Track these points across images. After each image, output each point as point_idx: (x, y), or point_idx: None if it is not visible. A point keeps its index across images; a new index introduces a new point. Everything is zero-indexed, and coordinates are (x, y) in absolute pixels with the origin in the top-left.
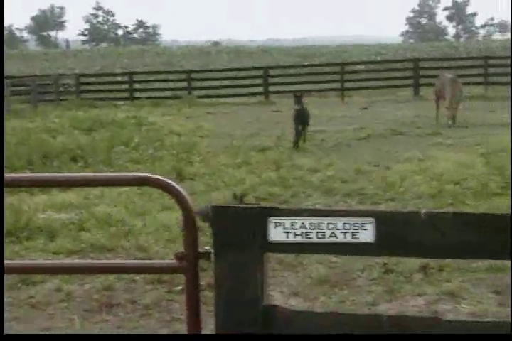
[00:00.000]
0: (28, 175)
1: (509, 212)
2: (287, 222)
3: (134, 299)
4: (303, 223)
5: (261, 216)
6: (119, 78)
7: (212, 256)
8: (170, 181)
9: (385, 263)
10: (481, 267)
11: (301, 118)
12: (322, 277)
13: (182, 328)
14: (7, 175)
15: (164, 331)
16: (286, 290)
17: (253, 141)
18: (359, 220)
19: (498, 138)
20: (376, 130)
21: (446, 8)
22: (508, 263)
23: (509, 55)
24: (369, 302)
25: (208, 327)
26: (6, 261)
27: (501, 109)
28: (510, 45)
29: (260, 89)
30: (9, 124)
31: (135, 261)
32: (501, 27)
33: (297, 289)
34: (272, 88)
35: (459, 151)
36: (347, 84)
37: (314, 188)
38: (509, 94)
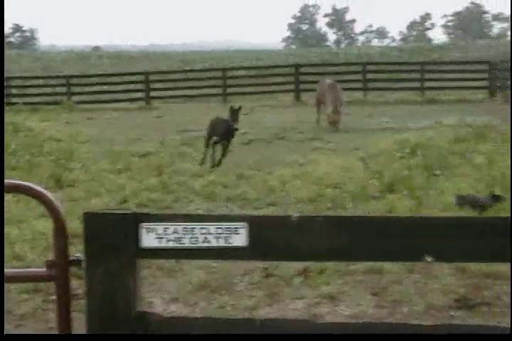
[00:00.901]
0: None
1: (385, 214)
2: (159, 227)
3: (9, 309)
4: (175, 228)
5: (133, 222)
6: None
7: (83, 263)
8: (41, 189)
9: (266, 268)
10: (360, 269)
11: (227, 135)
12: (202, 282)
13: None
14: None
15: None
16: (167, 296)
17: (134, 146)
18: (232, 225)
19: (377, 143)
20: (258, 135)
21: (326, 15)
22: (385, 265)
23: (387, 61)
24: (249, 307)
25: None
26: None
27: (379, 114)
28: (446, 54)
29: (141, 94)
30: None
31: (5, 270)
32: (380, 34)
33: (177, 295)
34: (153, 93)
35: (339, 155)
36: (229, 90)
37: (196, 193)
38: (386, 99)
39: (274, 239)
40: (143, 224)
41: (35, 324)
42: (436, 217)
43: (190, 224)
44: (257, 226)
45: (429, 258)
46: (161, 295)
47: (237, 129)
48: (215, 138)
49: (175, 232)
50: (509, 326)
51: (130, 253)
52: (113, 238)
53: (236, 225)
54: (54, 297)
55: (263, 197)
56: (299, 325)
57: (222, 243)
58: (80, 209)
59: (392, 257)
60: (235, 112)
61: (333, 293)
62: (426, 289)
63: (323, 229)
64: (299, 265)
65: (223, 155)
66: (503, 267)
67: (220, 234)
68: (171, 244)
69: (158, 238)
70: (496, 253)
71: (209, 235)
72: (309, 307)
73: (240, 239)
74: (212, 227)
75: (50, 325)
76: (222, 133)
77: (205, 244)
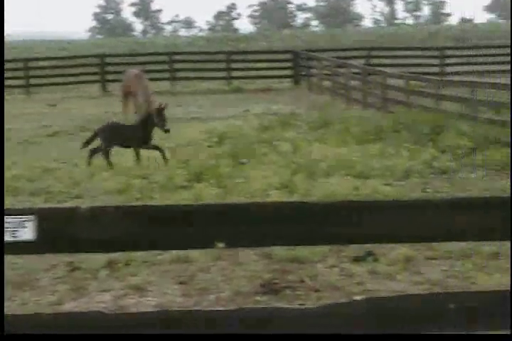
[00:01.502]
0: None
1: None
2: None
3: None
4: None
5: None
6: None
7: None
8: None
9: (71, 262)
10: (166, 259)
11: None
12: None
13: None
14: None
15: None
16: None
17: None
18: (18, 218)
19: (184, 133)
20: (64, 127)
21: (132, 4)
22: (192, 254)
23: (194, 51)
24: (54, 302)
25: None
26: None
27: (187, 104)
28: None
29: None
30: None
31: None
32: (187, 23)
33: None
34: None
35: None
36: (32, 81)
37: None
38: (194, 89)
39: (63, 230)
40: None
41: None
42: (228, 204)
43: None
44: (46, 218)
45: (220, 245)
46: None
47: (167, 131)
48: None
49: None
50: None
51: None
52: None
53: (23, 218)
54: None
55: (69, 189)
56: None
57: (8, 237)
58: None
59: (181, 245)
60: (160, 112)
61: (140, 284)
62: (233, 276)
63: (114, 219)
64: (105, 257)
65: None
66: (304, 252)
67: (6, 228)
68: None
69: None
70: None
71: None
72: (116, 299)
73: (27, 232)
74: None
75: None
76: (130, 139)
77: None
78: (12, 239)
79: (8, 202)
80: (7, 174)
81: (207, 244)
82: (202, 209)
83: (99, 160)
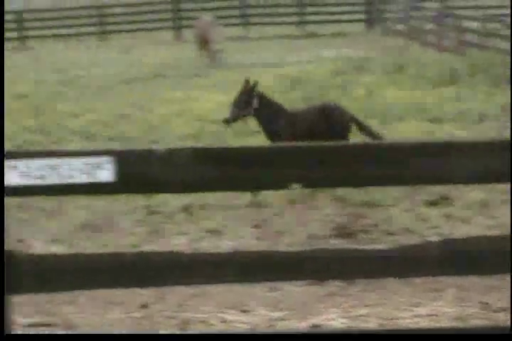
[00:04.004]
0: None
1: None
2: (22, 164)
3: None
4: (39, 165)
5: None
6: None
7: None
8: None
9: (148, 205)
10: (242, 204)
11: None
12: (84, 222)
13: None
14: None
15: None
16: (48, 237)
17: (11, 87)
18: (97, 160)
19: (259, 78)
20: (137, 73)
21: None
22: (267, 198)
23: None
24: (133, 244)
25: None
26: None
27: (259, 49)
28: None
29: (15, 34)
30: None
31: None
32: None
33: (58, 236)
34: (27, 33)
35: (221, 92)
36: (106, 28)
37: (75, 134)
38: (266, 34)
39: (140, 172)
40: (5, 161)
41: None
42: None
43: (54, 160)
44: (123, 160)
45: (296, 186)
46: (42, 237)
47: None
48: None
49: (39, 169)
50: None
51: None
52: None
53: (101, 160)
54: None
55: (144, 135)
56: (169, 256)
57: (88, 179)
58: None
59: (257, 186)
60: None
61: (216, 228)
62: (307, 220)
63: (191, 161)
64: (181, 201)
65: None
66: (380, 195)
67: (85, 169)
68: (35, 181)
69: (22, 175)
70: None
71: (74, 171)
72: (192, 242)
73: (106, 174)
74: (77, 163)
75: None
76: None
77: (71, 180)
78: (90, 180)
79: (85, 147)
80: (84, 119)
81: (282, 185)
82: (279, 150)
83: (173, 106)
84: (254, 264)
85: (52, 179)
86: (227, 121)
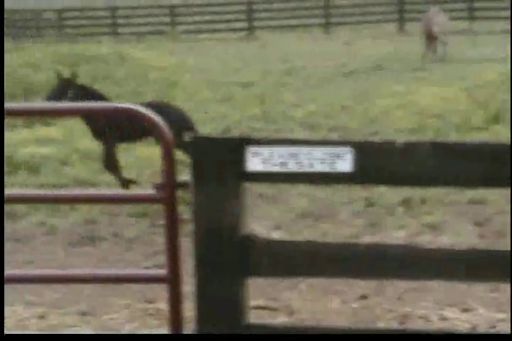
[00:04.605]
0: (20, 104)
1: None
2: (265, 151)
3: (117, 232)
4: (281, 153)
5: (239, 146)
6: (101, 13)
7: (190, 185)
8: (149, 112)
9: (368, 197)
10: (462, 200)
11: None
12: (305, 210)
13: (164, 261)
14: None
15: (147, 264)
16: (269, 223)
17: (237, 76)
18: (337, 150)
19: (482, 73)
20: (359, 65)
21: None
22: (489, 195)
23: None
24: (352, 235)
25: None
26: None
27: (484, 44)
28: None
29: (244, 24)
30: None
31: (115, 192)
32: None
33: (279, 222)
34: (256, 23)
35: (442, 86)
36: (331, 19)
37: (297, 123)
38: (492, 29)
39: (379, 164)
40: (249, 148)
41: (142, 247)
42: None
43: (295, 149)
44: (362, 151)
45: None
46: (263, 223)
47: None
48: None
49: (280, 156)
50: None
51: (236, 176)
52: (219, 161)
53: (341, 150)
54: (161, 221)
55: (364, 127)
56: (403, 249)
57: (326, 168)
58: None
59: (501, 184)
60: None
61: (435, 223)
62: None
63: (429, 155)
64: (400, 195)
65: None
66: None
67: (325, 159)
68: (275, 169)
69: (264, 162)
70: None
71: (314, 160)
72: (411, 237)
73: (344, 164)
74: (317, 152)
75: (157, 248)
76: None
77: (310, 169)
78: (330, 169)
79: (307, 137)
80: (305, 109)
81: None
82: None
83: (393, 99)
84: (480, 263)
85: (292, 167)
86: None
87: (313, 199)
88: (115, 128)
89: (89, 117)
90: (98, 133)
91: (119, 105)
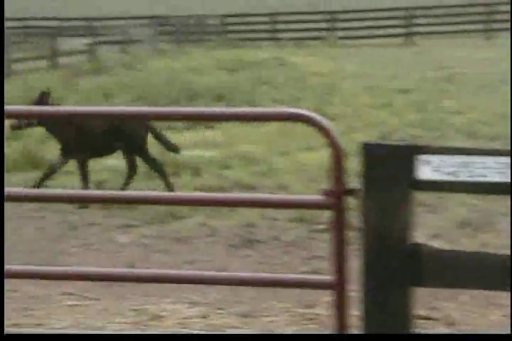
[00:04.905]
0: (178, 109)
1: None
2: (436, 160)
3: (276, 236)
4: (453, 161)
5: (410, 153)
6: (261, 18)
7: (360, 193)
8: (321, 118)
9: None
10: None
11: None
12: (464, 219)
13: (321, 266)
14: (164, 109)
15: (304, 268)
16: (428, 232)
17: (395, 82)
18: (510, 159)
19: None
20: None
21: None
22: None
23: None
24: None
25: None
26: (154, 193)
27: None
28: None
29: (403, 30)
30: (154, 64)
31: (282, 196)
32: None
33: (439, 231)
34: (414, 29)
35: None
36: (492, 25)
37: (457, 131)
38: None
39: None
40: (420, 155)
41: (300, 251)
42: None
43: (467, 158)
44: None
45: None
46: (422, 231)
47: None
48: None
49: (451, 165)
50: None
51: (406, 184)
52: (390, 169)
53: None
54: (320, 227)
55: None
56: None
57: (499, 178)
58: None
59: None
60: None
61: None
62: None
63: None
64: None
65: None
66: None
67: (498, 168)
68: (447, 177)
69: (435, 170)
70: None
71: (487, 169)
72: None
73: None
74: (490, 161)
75: (315, 253)
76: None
77: (482, 179)
78: (504, 179)
79: (467, 145)
80: (465, 117)
81: None
82: None
83: None
84: None
85: (464, 176)
86: (13, 128)
87: (472, 209)
88: (84, 142)
89: (58, 130)
90: (68, 148)
91: (294, 110)
